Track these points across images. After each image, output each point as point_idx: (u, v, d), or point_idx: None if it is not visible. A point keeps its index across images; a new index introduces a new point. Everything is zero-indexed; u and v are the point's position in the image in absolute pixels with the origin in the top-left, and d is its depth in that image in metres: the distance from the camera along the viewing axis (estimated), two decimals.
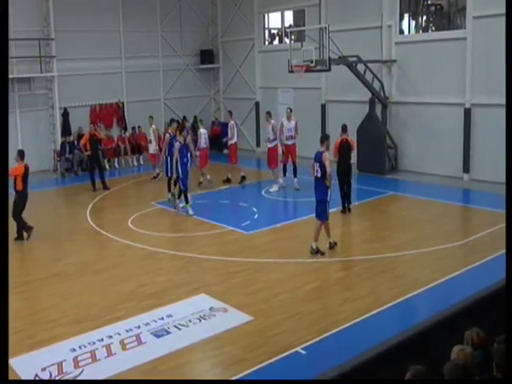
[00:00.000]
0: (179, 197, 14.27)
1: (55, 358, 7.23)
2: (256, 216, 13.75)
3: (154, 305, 8.76)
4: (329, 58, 16.09)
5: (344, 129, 13.88)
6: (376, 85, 18.06)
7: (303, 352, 7.21)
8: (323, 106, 20.59)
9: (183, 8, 23.46)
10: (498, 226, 11.73)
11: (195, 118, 23.49)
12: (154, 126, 18.68)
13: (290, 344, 7.36)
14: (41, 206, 15.79)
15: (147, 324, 8.10)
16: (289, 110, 16.26)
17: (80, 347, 7.48)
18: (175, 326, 8.03)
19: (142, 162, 21.37)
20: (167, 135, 15.44)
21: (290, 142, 16.05)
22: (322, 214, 10.81)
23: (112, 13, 21.47)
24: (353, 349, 5.78)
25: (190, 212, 13.80)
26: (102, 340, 7.65)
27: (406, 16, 18.94)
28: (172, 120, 17.26)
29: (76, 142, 19.81)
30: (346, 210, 13.57)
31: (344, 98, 19.54)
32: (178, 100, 23.50)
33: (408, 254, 10.68)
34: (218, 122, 24.44)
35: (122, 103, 22.08)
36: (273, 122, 16.40)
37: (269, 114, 16.71)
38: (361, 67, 17.62)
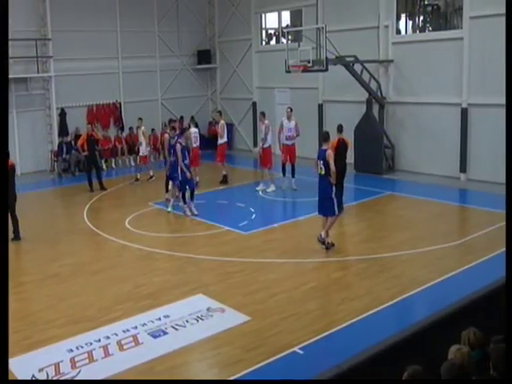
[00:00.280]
0: (191, 199, 14.15)
1: (52, 358, 7.22)
2: (253, 216, 13.75)
3: (151, 305, 8.75)
4: (326, 58, 16.09)
5: (340, 129, 13.86)
6: (373, 85, 18.09)
7: (301, 352, 7.21)
8: (320, 106, 20.61)
9: (180, 8, 23.46)
10: (494, 225, 11.76)
11: (192, 118, 23.49)
12: (143, 128, 18.39)
13: (287, 344, 7.36)
14: (38, 206, 15.79)
15: (144, 324, 8.09)
16: (289, 110, 16.04)
17: (77, 348, 7.46)
18: (172, 327, 8.02)
19: (139, 163, 21.30)
20: (166, 135, 15.35)
21: (289, 143, 15.90)
22: (329, 210, 10.92)
23: (109, 13, 21.45)
24: (350, 349, 5.78)
25: (187, 213, 13.81)
26: (99, 341, 7.64)
27: (403, 16, 18.98)
28: (171, 120, 17.23)
29: (73, 143, 19.80)
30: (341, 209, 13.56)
31: (341, 98, 19.56)
32: (175, 100, 23.50)
33: (405, 254, 10.69)
34: (215, 122, 24.40)
35: (120, 103, 22.07)
36: (266, 122, 16.27)
37: (263, 114, 16.67)
38: (358, 67, 17.62)
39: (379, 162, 17.94)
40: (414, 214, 13.54)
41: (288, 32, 19.56)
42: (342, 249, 11.24)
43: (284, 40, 20.77)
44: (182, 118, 22.62)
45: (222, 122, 17.32)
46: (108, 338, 7.72)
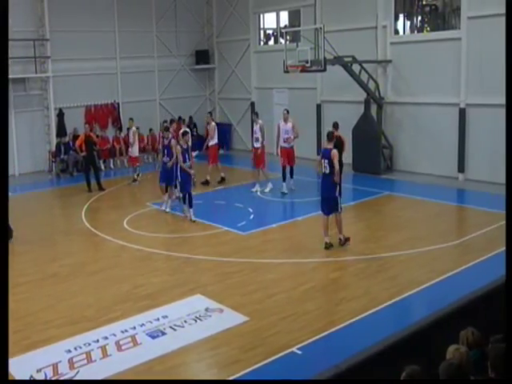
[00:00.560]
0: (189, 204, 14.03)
1: (50, 359, 7.22)
2: (252, 216, 13.75)
3: (150, 306, 8.74)
4: (324, 58, 16.08)
5: (335, 126, 13.82)
6: (371, 85, 18.09)
7: (299, 352, 7.21)
8: (318, 107, 20.61)
9: (178, 8, 23.45)
10: (492, 225, 11.77)
11: (190, 118, 23.52)
12: (134, 129, 18.08)
13: (285, 344, 7.36)
14: (36, 206, 15.77)
15: (143, 325, 8.08)
16: (285, 112, 15.80)
17: (75, 348, 7.46)
18: (171, 327, 8.02)
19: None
20: (173, 140, 15.10)
21: (286, 145, 15.59)
22: (335, 208, 11.00)
23: (107, 13, 21.43)
24: (348, 349, 5.78)
25: (187, 214, 13.77)
26: (98, 341, 7.64)
27: (401, 16, 18.99)
28: (172, 120, 17.18)
29: (71, 143, 19.77)
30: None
31: (339, 99, 19.57)
32: (173, 100, 23.48)
33: (403, 254, 10.70)
34: (206, 123, 24.29)
35: (118, 104, 22.05)
36: (260, 122, 16.17)
37: (256, 114, 16.75)
38: (356, 67, 17.63)
39: (377, 162, 17.95)
40: (412, 214, 13.55)
41: (286, 32, 19.54)
42: (340, 249, 11.23)
43: (282, 40, 20.77)
44: (180, 118, 22.58)
45: (213, 123, 17.36)
46: (106, 338, 7.71)
